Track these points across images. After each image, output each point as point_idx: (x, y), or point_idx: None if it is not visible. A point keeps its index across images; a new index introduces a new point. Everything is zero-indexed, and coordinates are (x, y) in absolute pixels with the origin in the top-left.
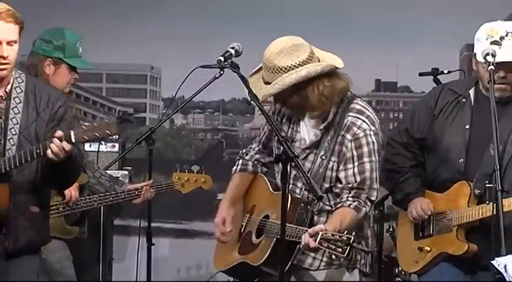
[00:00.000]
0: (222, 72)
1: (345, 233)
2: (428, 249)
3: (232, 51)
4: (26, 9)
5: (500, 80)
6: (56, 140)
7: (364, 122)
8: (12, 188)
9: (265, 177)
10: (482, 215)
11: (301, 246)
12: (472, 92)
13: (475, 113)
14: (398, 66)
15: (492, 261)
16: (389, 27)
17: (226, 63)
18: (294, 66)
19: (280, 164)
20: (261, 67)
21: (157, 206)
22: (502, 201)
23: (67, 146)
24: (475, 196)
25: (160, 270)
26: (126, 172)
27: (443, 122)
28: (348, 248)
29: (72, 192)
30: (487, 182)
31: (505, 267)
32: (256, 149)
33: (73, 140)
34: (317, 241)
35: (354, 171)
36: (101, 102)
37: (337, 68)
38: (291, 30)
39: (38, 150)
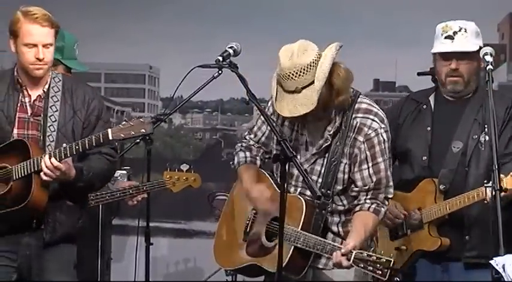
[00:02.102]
0: (220, 71)
1: (382, 253)
2: (405, 248)
3: (231, 51)
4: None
5: (453, 73)
6: (46, 159)
7: (374, 121)
8: (50, 184)
9: (267, 174)
10: (449, 209)
11: (332, 264)
12: (432, 98)
13: (435, 115)
14: (397, 66)
15: (490, 261)
16: (388, 28)
17: (224, 62)
18: (317, 57)
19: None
20: (277, 90)
21: (156, 205)
22: (499, 201)
23: (55, 162)
24: (440, 192)
25: (159, 269)
26: (125, 172)
27: (407, 129)
28: (389, 271)
29: None
30: (485, 182)
31: (503, 266)
32: (257, 146)
33: (110, 138)
34: (351, 260)
35: (369, 172)
36: None
37: (341, 45)
38: (289, 30)
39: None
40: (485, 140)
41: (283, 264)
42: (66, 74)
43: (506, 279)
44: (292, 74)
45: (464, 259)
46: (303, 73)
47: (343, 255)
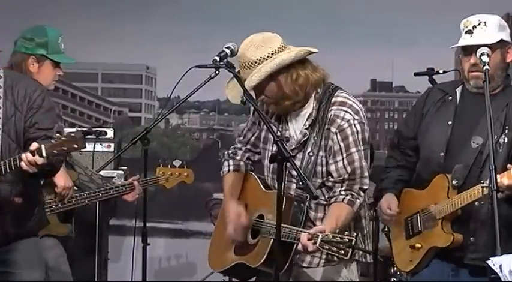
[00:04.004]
0: (217, 72)
1: (345, 234)
2: (420, 246)
3: (228, 51)
4: (20, 9)
5: (473, 68)
6: (29, 155)
7: (347, 112)
8: None
9: (255, 175)
10: (461, 203)
11: (298, 248)
12: (458, 90)
13: (459, 109)
14: (394, 66)
15: (487, 261)
16: (385, 28)
17: (221, 63)
18: (268, 56)
19: (275, 164)
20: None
21: (153, 205)
22: (496, 201)
23: (39, 160)
24: (453, 187)
25: (156, 270)
26: (122, 172)
27: (429, 119)
28: (351, 250)
29: (64, 190)
30: (482, 182)
31: (500, 267)
32: (244, 148)
33: (44, 154)
34: (317, 244)
35: (343, 163)
36: (96, 102)
37: (312, 52)
38: (287, 30)
39: (15, 162)
40: (504, 141)
41: (262, 260)
42: (56, 69)
43: (503, 280)
44: (241, 64)
45: (467, 261)
46: (248, 67)
47: (309, 239)
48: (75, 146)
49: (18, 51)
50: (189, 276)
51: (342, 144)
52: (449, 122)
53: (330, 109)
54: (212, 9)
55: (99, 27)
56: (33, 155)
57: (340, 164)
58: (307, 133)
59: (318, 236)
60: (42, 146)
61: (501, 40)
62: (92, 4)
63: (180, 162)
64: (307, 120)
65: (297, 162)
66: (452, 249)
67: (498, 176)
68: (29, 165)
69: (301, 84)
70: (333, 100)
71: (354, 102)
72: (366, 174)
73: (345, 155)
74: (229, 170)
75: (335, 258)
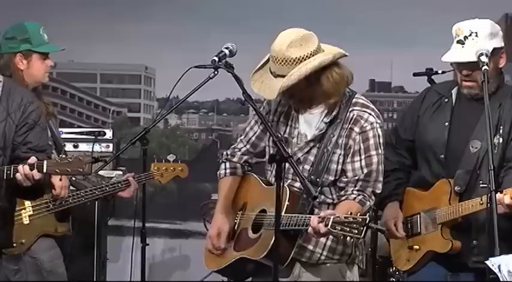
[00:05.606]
0: (216, 72)
1: (358, 214)
2: (418, 247)
3: (227, 52)
4: (20, 9)
5: (466, 78)
6: (26, 167)
7: (371, 115)
8: None
9: (254, 174)
10: (462, 212)
11: (309, 232)
12: (454, 92)
13: (455, 111)
14: (393, 67)
15: (486, 261)
16: (384, 28)
17: (220, 63)
18: (307, 56)
19: (274, 164)
20: (265, 63)
21: (152, 206)
22: (496, 202)
23: (37, 175)
24: (455, 193)
25: (155, 270)
26: (121, 172)
27: (426, 121)
28: (365, 228)
29: (62, 191)
30: (481, 182)
31: (499, 267)
32: (244, 149)
33: (44, 170)
34: (329, 225)
35: (361, 164)
36: (95, 103)
37: (346, 55)
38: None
39: (8, 172)
40: (498, 142)
41: (266, 252)
42: (46, 61)
43: (502, 280)
44: (276, 59)
45: (471, 264)
46: (284, 64)
47: (320, 222)
48: (80, 170)
49: (4, 53)
50: (188, 277)
51: (362, 145)
52: (446, 123)
53: (351, 109)
54: (212, 9)
55: (98, 28)
56: (32, 169)
57: (357, 164)
58: (324, 128)
59: (330, 218)
60: (45, 162)
61: (493, 49)
62: (92, 4)
63: (174, 156)
64: (325, 116)
65: (311, 158)
66: (453, 255)
67: (499, 193)
68: (24, 178)
69: (339, 82)
70: (354, 101)
71: (375, 108)
72: (381, 178)
73: (363, 156)
74: (225, 174)
75: (335, 256)
